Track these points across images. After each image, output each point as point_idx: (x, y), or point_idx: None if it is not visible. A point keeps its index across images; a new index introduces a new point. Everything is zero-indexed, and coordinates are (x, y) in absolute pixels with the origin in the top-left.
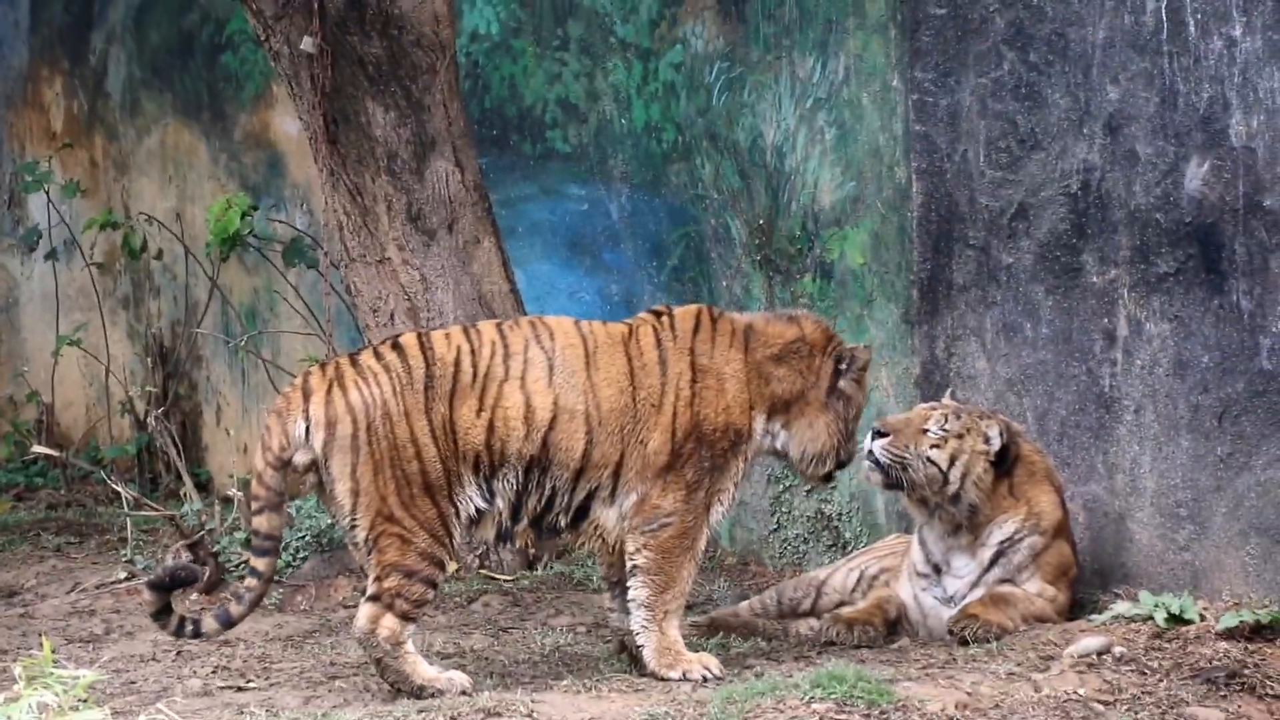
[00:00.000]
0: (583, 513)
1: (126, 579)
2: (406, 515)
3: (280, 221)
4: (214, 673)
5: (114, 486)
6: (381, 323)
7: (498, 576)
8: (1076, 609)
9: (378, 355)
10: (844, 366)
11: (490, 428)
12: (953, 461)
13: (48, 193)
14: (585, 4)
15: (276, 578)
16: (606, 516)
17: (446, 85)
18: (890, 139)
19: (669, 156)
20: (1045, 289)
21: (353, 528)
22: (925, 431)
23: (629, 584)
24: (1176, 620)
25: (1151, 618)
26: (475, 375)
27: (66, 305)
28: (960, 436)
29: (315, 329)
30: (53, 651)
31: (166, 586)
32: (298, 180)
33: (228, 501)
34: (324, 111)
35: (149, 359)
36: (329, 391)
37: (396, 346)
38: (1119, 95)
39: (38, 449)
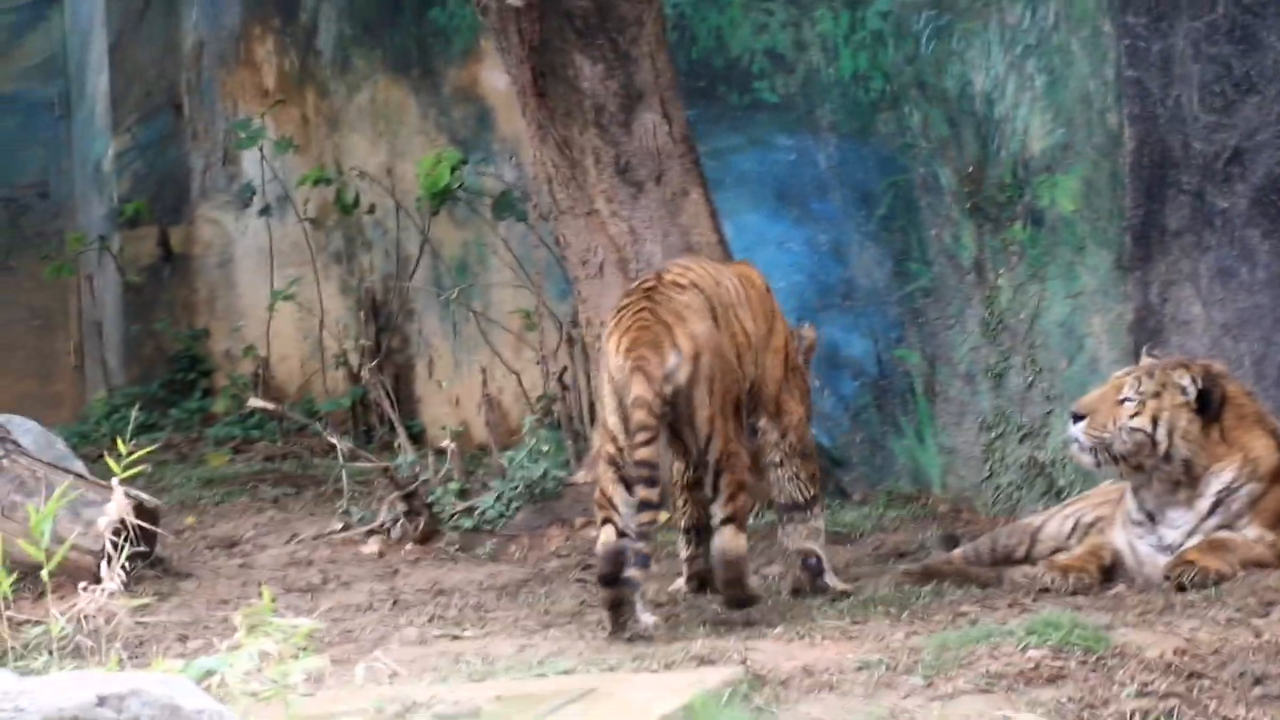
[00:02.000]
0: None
1: (342, 530)
2: (737, 438)
3: (489, 175)
4: (430, 622)
5: (329, 439)
6: (590, 274)
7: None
8: None
9: (682, 288)
10: None
11: (738, 351)
12: (1155, 423)
13: (261, 149)
14: None
15: (489, 528)
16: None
17: (653, 37)
18: (1101, 84)
19: (877, 105)
20: (1261, 233)
21: (705, 451)
22: (1123, 402)
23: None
24: None
25: None
26: (722, 306)
27: (280, 260)
28: (1157, 395)
29: (525, 281)
30: (272, 601)
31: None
32: (506, 134)
33: (441, 453)
34: (532, 65)
35: (361, 313)
36: (684, 323)
37: (676, 285)
38: None
39: (254, 402)
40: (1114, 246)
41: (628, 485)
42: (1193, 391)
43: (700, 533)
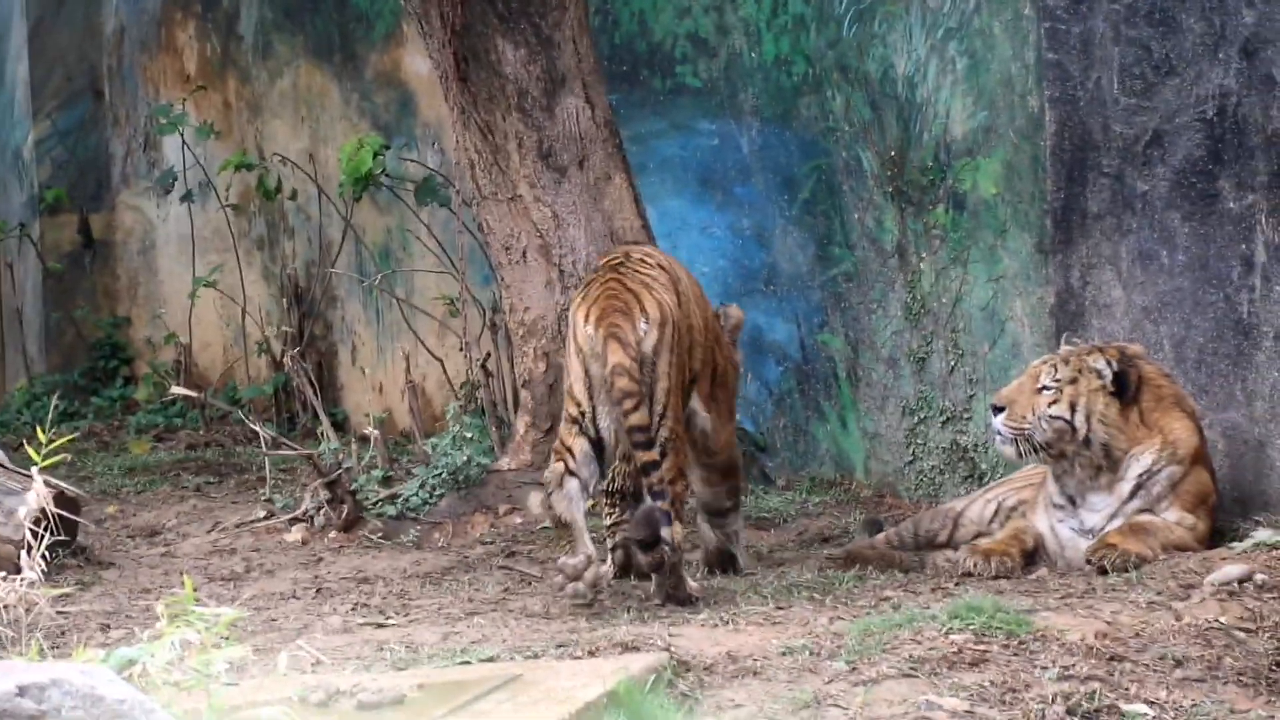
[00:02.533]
0: None
1: (265, 518)
2: (681, 420)
3: (412, 160)
4: (353, 610)
5: (252, 426)
6: (514, 260)
7: None
8: (1216, 537)
9: (649, 266)
10: None
11: (692, 340)
12: (1073, 409)
13: (182, 135)
14: None
15: (412, 515)
16: None
17: (576, 21)
18: (1022, 67)
19: (799, 89)
20: (1181, 216)
21: (658, 427)
22: (1041, 390)
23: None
24: None
25: None
26: (683, 295)
27: (202, 247)
28: (1074, 381)
29: (448, 267)
30: (194, 590)
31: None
32: (429, 119)
33: (364, 440)
34: (454, 49)
35: (284, 299)
36: (650, 292)
37: (644, 262)
38: (1255, 18)
39: (176, 390)
40: (1035, 230)
41: (589, 439)
42: (1108, 374)
43: (624, 497)
